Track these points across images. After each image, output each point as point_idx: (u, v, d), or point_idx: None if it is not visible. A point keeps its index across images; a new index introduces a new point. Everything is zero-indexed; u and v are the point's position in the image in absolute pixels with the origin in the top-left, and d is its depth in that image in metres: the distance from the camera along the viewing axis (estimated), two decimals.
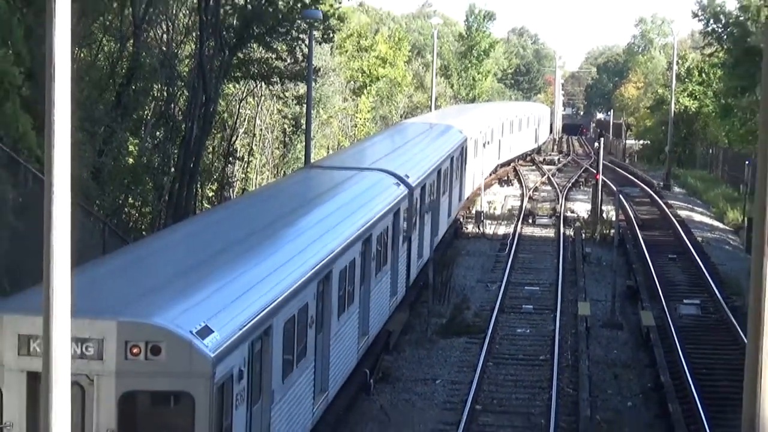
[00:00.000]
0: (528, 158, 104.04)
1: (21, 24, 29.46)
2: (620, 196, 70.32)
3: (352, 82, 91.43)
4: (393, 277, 37.23)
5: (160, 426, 17.19)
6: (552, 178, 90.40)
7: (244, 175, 65.70)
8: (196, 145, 50.52)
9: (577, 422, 30.52)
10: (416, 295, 42.76)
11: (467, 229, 62.01)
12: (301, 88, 60.74)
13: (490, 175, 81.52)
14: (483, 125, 73.19)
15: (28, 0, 30.31)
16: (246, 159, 66.11)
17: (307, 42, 50.86)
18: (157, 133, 53.46)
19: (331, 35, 59.35)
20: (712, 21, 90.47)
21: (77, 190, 13.00)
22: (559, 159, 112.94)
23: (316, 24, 49.47)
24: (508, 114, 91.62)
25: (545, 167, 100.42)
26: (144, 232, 45.44)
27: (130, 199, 50.40)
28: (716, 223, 69.94)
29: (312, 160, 50.37)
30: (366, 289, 32.37)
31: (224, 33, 51.63)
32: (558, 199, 76.17)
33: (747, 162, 66.52)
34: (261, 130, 67.50)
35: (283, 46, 54.83)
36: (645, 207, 73.33)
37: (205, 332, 17.71)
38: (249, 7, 53.10)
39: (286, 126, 69.98)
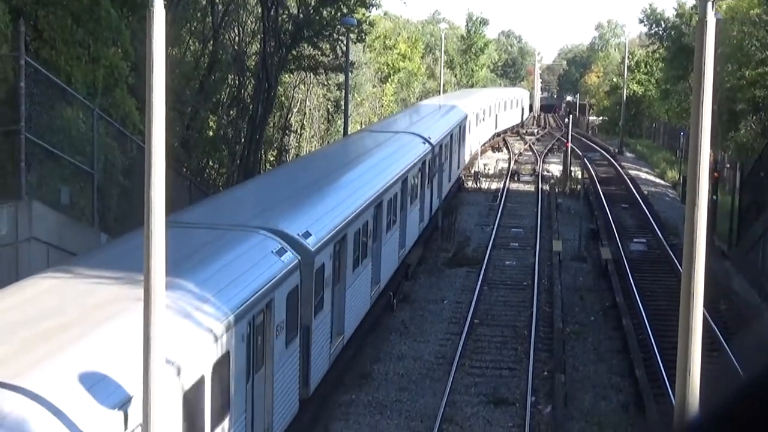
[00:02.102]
0: (514, 131, 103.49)
1: (128, 28, 29.42)
2: (585, 159, 70.23)
3: (379, 73, 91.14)
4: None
5: None
6: (532, 146, 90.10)
7: (297, 144, 65.70)
8: (260, 122, 50.63)
9: (552, 333, 30.55)
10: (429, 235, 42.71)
11: (468, 185, 61.94)
12: (340, 78, 60.57)
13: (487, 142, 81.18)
14: (479, 106, 72.74)
15: (133, 9, 30.24)
16: (299, 132, 66.10)
17: (345, 42, 50.78)
18: (231, 112, 53.51)
19: (364, 37, 59.17)
20: (654, 25, 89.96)
21: (170, 156, 12.94)
22: (538, 131, 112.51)
23: (351, 28, 49.44)
24: (497, 97, 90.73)
25: (527, 138, 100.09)
26: (221, 188, 45.46)
27: (210, 162, 50.55)
28: (658, 180, 69.72)
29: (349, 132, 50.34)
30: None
31: (281, 36, 51.58)
32: (537, 162, 75.94)
33: (681, 133, 66.28)
34: (310, 109, 67.34)
35: (327, 45, 54.74)
36: (604, 168, 73.14)
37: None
38: (301, 16, 53.02)
39: (329, 107, 69.85)
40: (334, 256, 23.29)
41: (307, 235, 21.27)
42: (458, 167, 55.44)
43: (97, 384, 11.80)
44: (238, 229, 20.26)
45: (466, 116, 60.52)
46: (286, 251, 19.84)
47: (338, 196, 26.50)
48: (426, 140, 41.50)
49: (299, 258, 20.11)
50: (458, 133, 53.24)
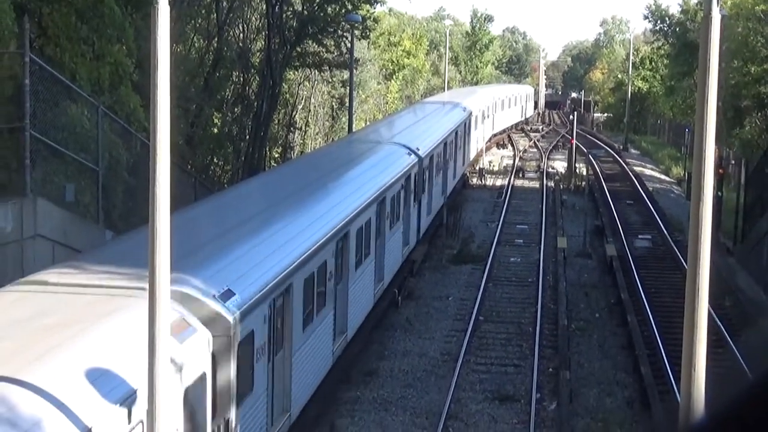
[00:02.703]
0: (519, 127, 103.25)
1: (132, 26, 29.43)
2: (589, 156, 70.20)
3: (384, 70, 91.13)
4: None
5: None
6: (537, 143, 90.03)
7: (302, 141, 65.73)
8: (265, 119, 50.65)
9: (557, 329, 30.54)
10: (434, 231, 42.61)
11: (472, 181, 61.93)
12: (345, 75, 60.61)
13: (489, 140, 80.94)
14: (483, 103, 72.39)
15: (137, 7, 30.25)
16: (303, 129, 66.12)
17: (349, 39, 50.78)
18: (236, 109, 53.51)
19: (368, 33, 59.20)
20: (659, 21, 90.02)
21: (174, 153, 12.98)
22: (542, 128, 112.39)
23: (356, 25, 49.46)
24: (499, 95, 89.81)
25: (532, 134, 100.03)
26: (225, 185, 45.48)
27: (215, 159, 50.56)
28: (663, 177, 69.66)
29: (354, 129, 50.19)
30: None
31: (286, 32, 51.61)
32: (542, 159, 75.92)
33: (686, 129, 66.29)
34: (314, 106, 67.36)
35: (331, 42, 54.80)
36: (608, 164, 73.05)
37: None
38: (305, 12, 53.05)
39: (333, 104, 69.87)
40: (272, 318, 17.64)
41: (227, 295, 15.52)
42: (454, 177, 53.50)
43: (100, 378, 11.81)
44: (120, 294, 14.29)
45: (470, 114, 60.25)
46: (188, 328, 14.18)
47: (283, 234, 20.01)
48: (413, 151, 35.91)
49: (212, 334, 14.64)
50: (454, 140, 49.26)
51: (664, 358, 26.98)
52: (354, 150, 35.05)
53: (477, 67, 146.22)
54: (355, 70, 54.58)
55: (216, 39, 49.28)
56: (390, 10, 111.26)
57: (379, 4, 60.34)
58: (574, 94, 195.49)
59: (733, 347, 27.51)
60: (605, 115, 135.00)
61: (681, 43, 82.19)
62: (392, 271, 32.00)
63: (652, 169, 73.13)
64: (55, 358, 11.75)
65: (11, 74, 23.16)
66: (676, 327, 23.93)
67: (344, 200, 25.23)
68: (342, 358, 24.32)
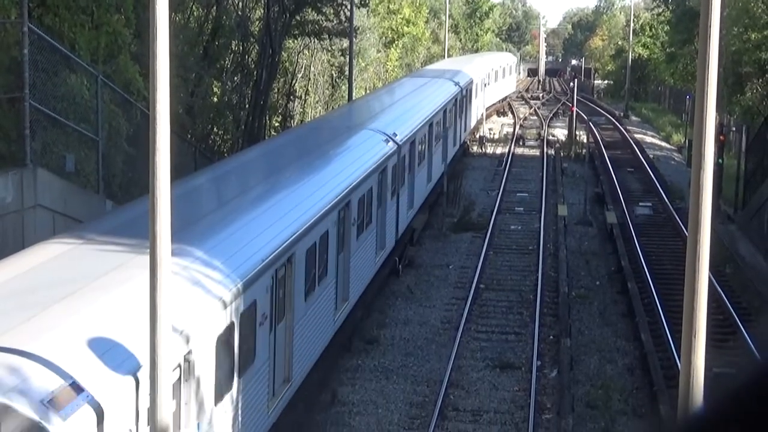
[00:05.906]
0: (519, 95, 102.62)
1: None
2: (590, 123, 70.05)
3: (383, 38, 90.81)
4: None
5: None
6: (537, 111, 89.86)
7: (302, 110, 65.64)
8: (264, 87, 50.57)
9: (558, 297, 30.61)
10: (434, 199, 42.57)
11: (473, 149, 61.89)
12: (345, 43, 60.43)
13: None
14: (482, 72, 71.70)
15: None
16: (303, 98, 66.01)
17: (349, 6, 50.63)
18: (235, 78, 53.38)
19: (367, 1, 59.12)
20: None
21: (174, 122, 12.97)
22: (543, 96, 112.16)
23: None
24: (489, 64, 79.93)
25: (532, 102, 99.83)
26: (225, 154, 45.42)
27: (215, 129, 50.49)
28: (664, 144, 69.62)
29: (354, 98, 49.98)
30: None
31: (285, 1, 51.45)
32: (542, 126, 75.84)
33: (687, 96, 66.09)
34: (314, 75, 67.17)
35: (331, 10, 54.61)
36: (609, 132, 73.04)
37: None
38: None
39: (333, 72, 69.68)
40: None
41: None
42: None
43: (108, 351, 11.85)
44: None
45: (472, 81, 59.78)
46: None
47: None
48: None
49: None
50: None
51: (665, 325, 27.05)
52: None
53: (477, 34, 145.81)
54: (354, 39, 54.45)
55: (215, 7, 49.13)
56: None
57: None
58: (574, 62, 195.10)
59: (734, 314, 27.62)
60: (606, 82, 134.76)
61: (681, 9, 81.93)
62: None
63: (652, 137, 73.08)
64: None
65: (10, 43, 23.13)
66: (677, 294, 23.98)
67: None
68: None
